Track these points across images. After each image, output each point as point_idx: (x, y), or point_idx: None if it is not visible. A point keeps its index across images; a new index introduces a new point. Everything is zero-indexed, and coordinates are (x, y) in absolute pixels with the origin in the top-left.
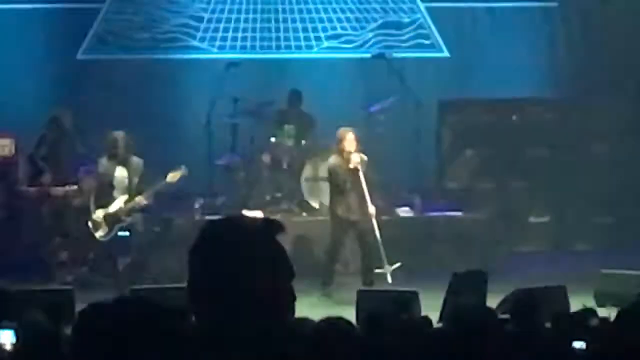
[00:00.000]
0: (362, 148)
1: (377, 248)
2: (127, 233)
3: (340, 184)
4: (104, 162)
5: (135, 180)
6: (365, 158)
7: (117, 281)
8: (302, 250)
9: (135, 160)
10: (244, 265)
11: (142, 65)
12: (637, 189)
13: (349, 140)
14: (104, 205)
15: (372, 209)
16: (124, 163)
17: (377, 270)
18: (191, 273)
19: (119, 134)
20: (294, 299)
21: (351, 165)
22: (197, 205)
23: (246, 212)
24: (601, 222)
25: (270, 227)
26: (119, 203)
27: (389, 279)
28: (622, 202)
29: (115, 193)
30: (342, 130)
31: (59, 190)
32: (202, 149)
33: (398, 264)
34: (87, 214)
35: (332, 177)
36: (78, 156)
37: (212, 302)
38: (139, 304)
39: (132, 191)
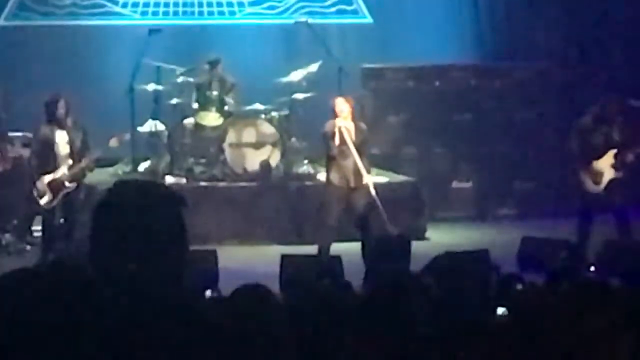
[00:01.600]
0: (359, 116)
1: (381, 220)
2: None
3: (328, 149)
4: (43, 127)
5: (78, 144)
6: (364, 127)
7: (41, 247)
8: (227, 215)
9: (76, 122)
10: (140, 228)
11: (65, 31)
12: (559, 155)
13: (338, 107)
14: (48, 172)
15: (367, 178)
16: (64, 126)
17: None
18: (93, 229)
19: (56, 96)
20: (183, 267)
21: (335, 129)
22: (120, 172)
23: (169, 179)
24: (524, 188)
25: (172, 196)
26: (62, 169)
27: None
28: (544, 168)
29: (58, 159)
30: (336, 99)
31: None
32: (125, 116)
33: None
34: (14, 181)
35: (324, 142)
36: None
37: (110, 260)
38: (60, 270)
39: (75, 156)
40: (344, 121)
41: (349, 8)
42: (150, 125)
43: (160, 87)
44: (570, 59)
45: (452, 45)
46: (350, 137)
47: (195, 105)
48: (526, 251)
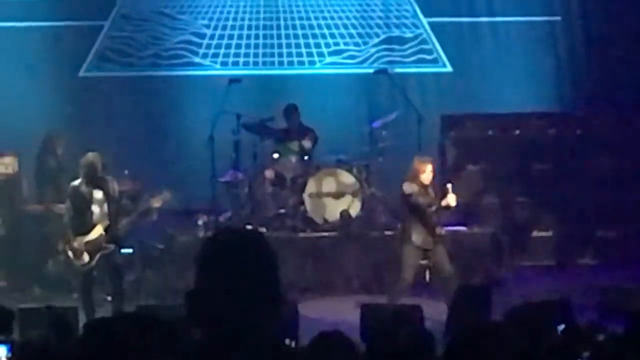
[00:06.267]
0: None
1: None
2: (130, 250)
3: (423, 216)
4: (79, 185)
5: (114, 204)
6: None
7: (120, 298)
8: (307, 265)
9: (111, 180)
10: (237, 273)
11: (145, 82)
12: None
13: (428, 173)
14: (84, 232)
15: (441, 232)
16: (101, 186)
17: None
18: (195, 279)
19: (93, 156)
20: (279, 304)
21: (444, 203)
22: (200, 222)
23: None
24: (604, 236)
25: (263, 241)
26: (99, 229)
27: None
28: (625, 216)
29: (94, 218)
30: (419, 161)
31: (61, 208)
32: (205, 166)
33: None
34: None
35: (414, 207)
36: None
37: (207, 307)
38: (142, 319)
39: (112, 216)
40: (450, 194)
41: (429, 57)
42: (231, 175)
43: (240, 137)
44: None
45: (532, 93)
46: (432, 200)
47: (275, 155)
48: (607, 300)
